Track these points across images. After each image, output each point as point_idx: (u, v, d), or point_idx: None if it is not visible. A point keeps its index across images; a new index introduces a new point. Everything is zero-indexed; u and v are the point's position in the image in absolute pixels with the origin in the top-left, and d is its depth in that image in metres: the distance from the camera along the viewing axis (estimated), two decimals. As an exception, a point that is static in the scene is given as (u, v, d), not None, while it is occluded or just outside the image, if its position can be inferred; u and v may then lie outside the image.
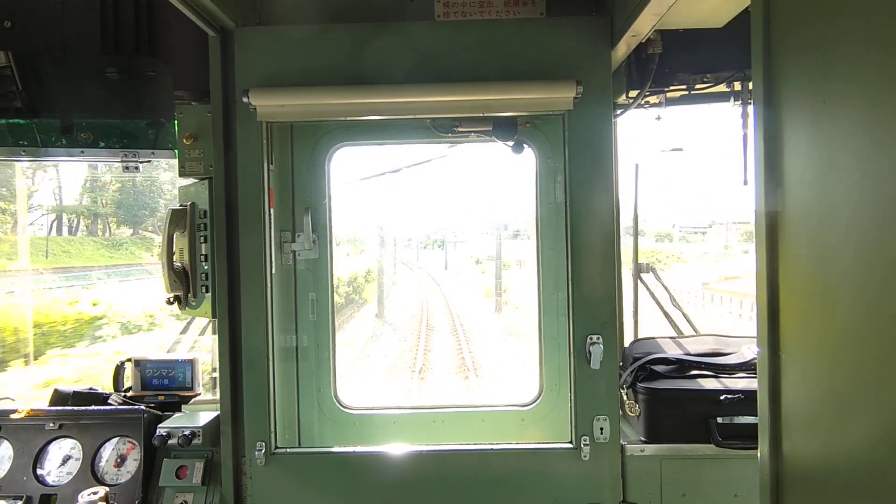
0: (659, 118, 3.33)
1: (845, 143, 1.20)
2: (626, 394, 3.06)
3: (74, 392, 3.28)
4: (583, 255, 2.86)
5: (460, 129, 3.06)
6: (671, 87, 3.13)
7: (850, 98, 1.19)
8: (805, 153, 1.35)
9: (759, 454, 1.53)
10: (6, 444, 3.00)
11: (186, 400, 3.25)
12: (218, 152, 2.91)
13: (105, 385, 3.45)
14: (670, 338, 3.48)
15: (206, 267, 2.99)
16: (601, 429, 2.85)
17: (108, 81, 3.20)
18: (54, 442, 3.00)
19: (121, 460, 2.98)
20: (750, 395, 2.84)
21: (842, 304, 1.22)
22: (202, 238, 3.00)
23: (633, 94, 3.13)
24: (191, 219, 3.01)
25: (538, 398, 3.18)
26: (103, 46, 3.08)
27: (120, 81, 3.20)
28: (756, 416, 1.55)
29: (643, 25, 2.51)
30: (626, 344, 3.44)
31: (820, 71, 1.29)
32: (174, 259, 3.03)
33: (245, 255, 2.92)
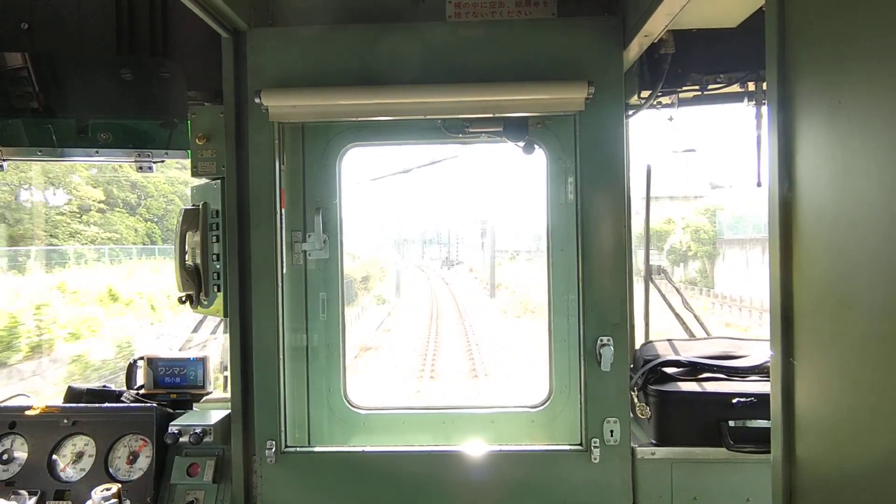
0: (671, 119, 3.31)
1: (862, 144, 1.18)
2: (637, 396, 3.04)
3: (88, 389, 3.32)
4: (594, 256, 2.85)
5: (471, 130, 3.05)
6: (684, 88, 3.10)
7: (867, 98, 1.17)
8: (820, 154, 1.33)
9: (772, 459, 1.51)
10: (21, 440, 3.04)
11: (198, 398, 3.28)
12: (230, 152, 2.93)
13: (118, 383, 3.49)
14: (682, 340, 3.45)
15: (217, 266, 3.01)
16: (611, 431, 2.84)
17: (123, 82, 3.24)
18: (68, 438, 3.04)
19: (133, 457, 3.00)
20: (762, 399, 2.80)
21: (857, 307, 1.21)
22: (214, 237, 3.02)
23: (645, 94, 3.10)
24: (203, 218, 3.03)
25: (548, 400, 3.16)
26: (118, 48, 3.11)
27: (134, 82, 3.24)
28: (769, 419, 1.54)
29: (656, 25, 2.50)
30: (637, 346, 3.42)
31: (836, 71, 1.27)
32: (186, 258, 3.06)
33: (256, 255, 2.94)
